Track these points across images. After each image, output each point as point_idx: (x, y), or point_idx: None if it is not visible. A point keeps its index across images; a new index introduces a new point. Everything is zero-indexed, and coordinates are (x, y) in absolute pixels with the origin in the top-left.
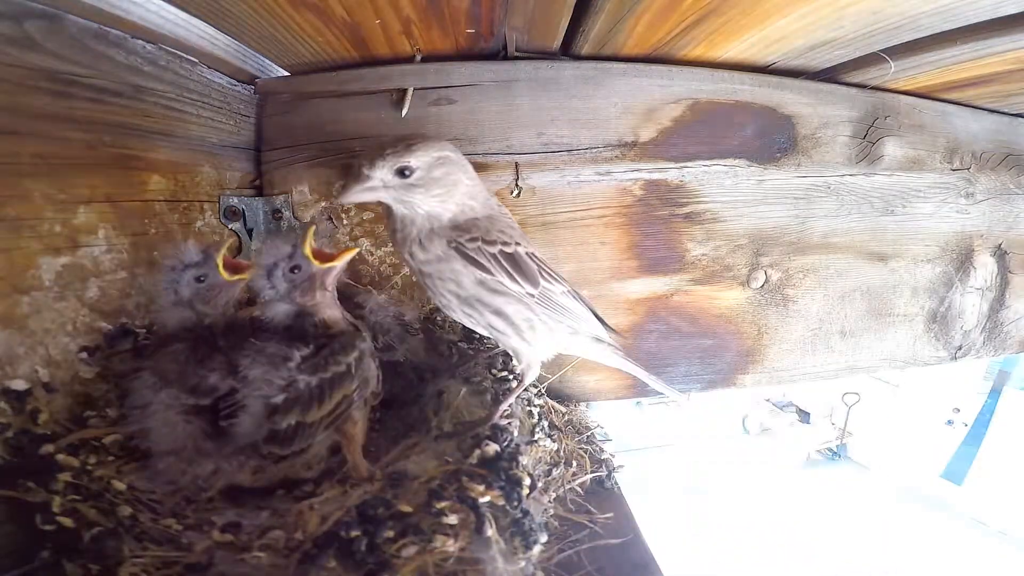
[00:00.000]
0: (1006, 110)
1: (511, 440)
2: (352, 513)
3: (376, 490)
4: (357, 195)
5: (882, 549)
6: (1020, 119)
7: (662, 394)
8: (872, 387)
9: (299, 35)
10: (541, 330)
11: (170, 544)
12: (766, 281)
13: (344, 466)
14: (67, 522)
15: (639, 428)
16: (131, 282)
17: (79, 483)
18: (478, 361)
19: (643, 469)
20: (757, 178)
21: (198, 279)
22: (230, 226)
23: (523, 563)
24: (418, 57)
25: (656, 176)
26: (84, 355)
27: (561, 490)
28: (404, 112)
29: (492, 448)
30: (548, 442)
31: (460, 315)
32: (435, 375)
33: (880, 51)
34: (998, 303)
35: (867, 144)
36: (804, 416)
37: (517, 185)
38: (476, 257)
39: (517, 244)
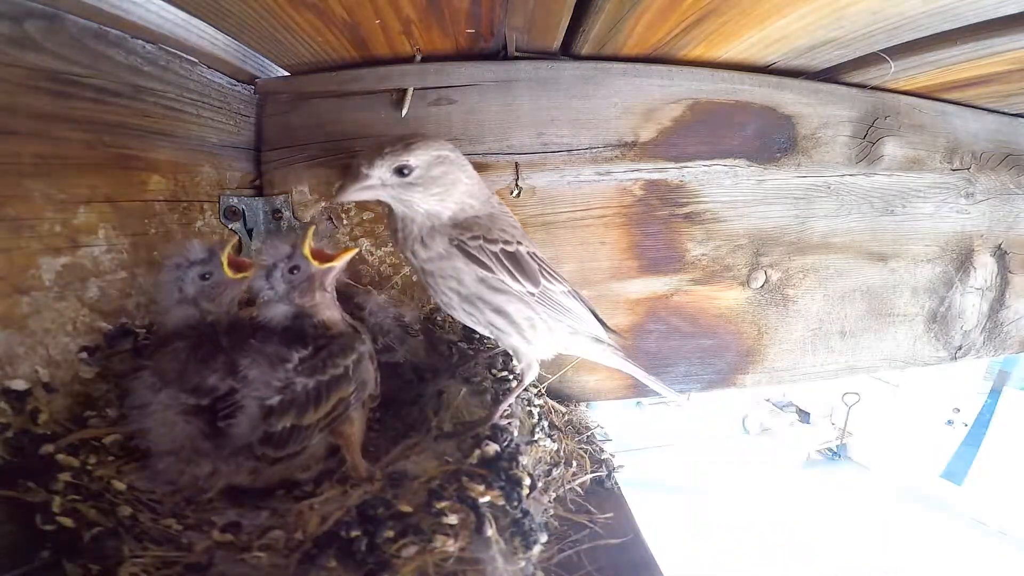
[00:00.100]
0: (1006, 110)
1: (511, 440)
2: (352, 513)
3: (376, 490)
4: (356, 194)
5: (882, 549)
6: (1020, 119)
7: (662, 394)
8: (872, 387)
9: (299, 35)
10: (541, 329)
11: (170, 544)
12: (766, 281)
13: (343, 466)
14: (67, 522)
15: (639, 428)
16: (131, 282)
17: (79, 483)
18: (478, 361)
19: (643, 469)
20: (757, 178)
21: (203, 276)
22: (230, 226)
23: (523, 563)
24: (418, 57)
25: (656, 176)
26: (84, 355)
27: (561, 490)
28: (404, 112)
29: (492, 448)
30: (548, 442)
31: (461, 313)
32: (435, 375)
33: (880, 51)
34: (998, 303)
35: (867, 144)
36: (804, 416)
37: (517, 185)
38: (478, 255)
39: (518, 243)
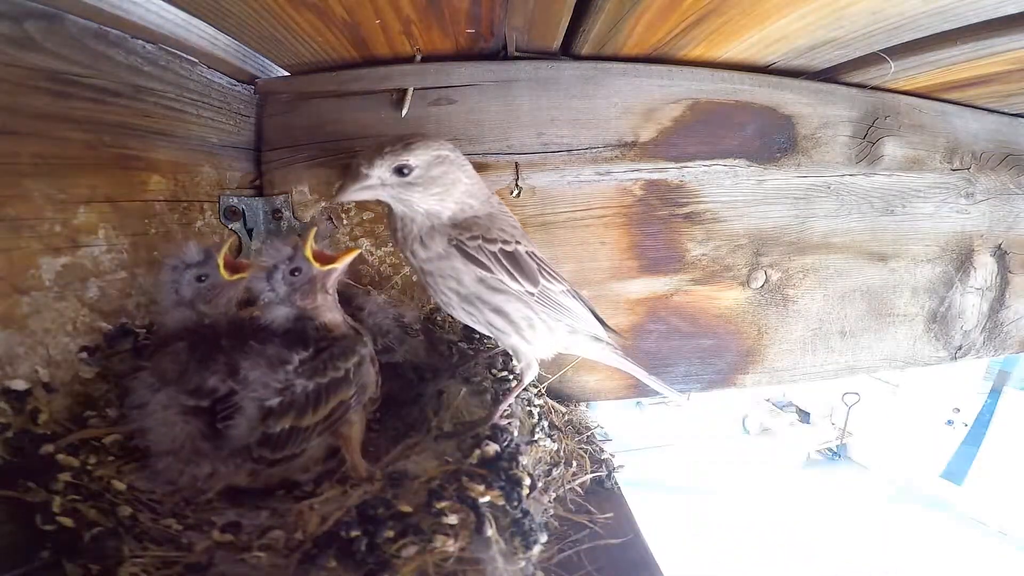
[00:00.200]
0: (1006, 110)
1: (511, 440)
2: (352, 513)
3: (376, 490)
4: (355, 193)
5: (882, 549)
6: (1020, 119)
7: (662, 394)
8: (872, 387)
9: (299, 35)
10: (541, 329)
11: (170, 544)
12: (766, 281)
13: (343, 466)
14: (67, 522)
15: (639, 428)
16: (131, 282)
17: (79, 483)
18: (478, 361)
19: (643, 469)
20: (757, 178)
21: (199, 279)
22: (230, 226)
23: (523, 563)
24: (418, 57)
25: (656, 176)
26: (84, 355)
27: (561, 490)
28: (404, 112)
29: (492, 448)
30: (548, 442)
31: (460, 313)
32: (435, 375)
33: (880, 51)
34: (998, 303)
35: (867, 144)
36: (804, 416)
37: (517, 185)
38: (476, 255)
39: (517, 243)
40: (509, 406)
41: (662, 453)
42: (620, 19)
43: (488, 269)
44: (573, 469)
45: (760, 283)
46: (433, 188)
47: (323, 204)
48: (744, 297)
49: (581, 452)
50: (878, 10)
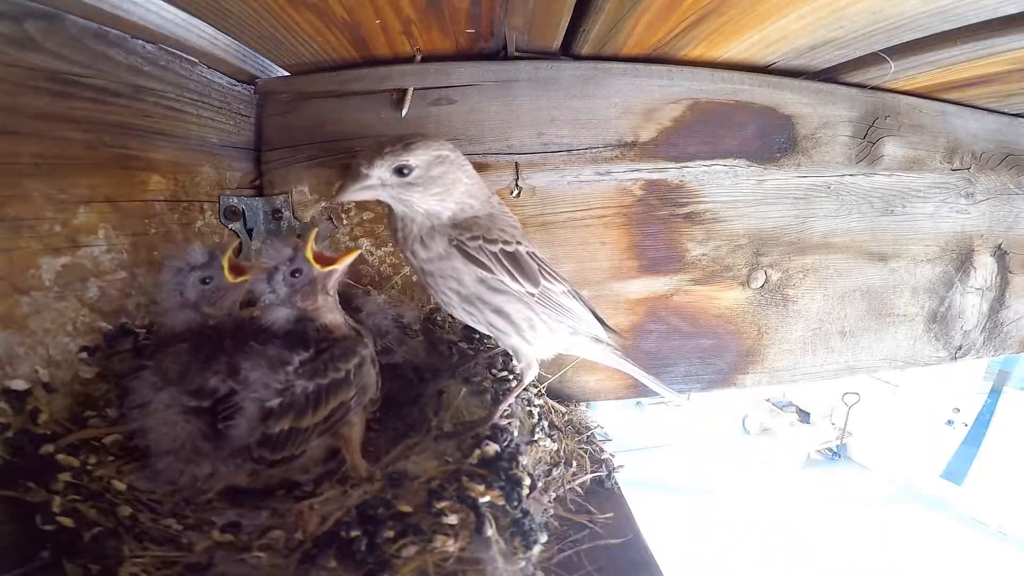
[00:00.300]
0: (1006, 110)
1: (511, 440)
2: (352, 513)
3: (376, 490)
4: (355, 193)
5: (882, 549)
6: (1020, 119)
7: (662, 395)
8: (872, 387)
9: (299, 35)
10: (542, 329)
11: (170, 544)
12: (766, 281)
13: (343, 466)
14: (67, 522)
15: (639, 428)
16: (131, 282)
17: (79, 483)
18: (478, 361)
19: (643, 469)
20: (757, 178)
21: (203, 281)
22: (230, 226)
23: (523, 563)
24: (418, 57)
25: (656, 176)
26: (84, 355)
27: (561, 490)
28: (404, 112)
29: (492, 448)
30: (548, 442)
31: (461, 313)
32: (435, 375)
33: (880, 51)
34: (998, 303)
35: (867, 144)
36: (804, 416)
37: (517, 185)
38: (477, 256)
39: (518, 243)
40: (509, 406)
41: (662, 453)
42: (620, 19)
43: (489, 270)
44: (573, 469)
45: (760, 283)
46: (433, 188)
47: (323, 204)
48: (744, 297)
49: (581, 452)
50: (878, 10)
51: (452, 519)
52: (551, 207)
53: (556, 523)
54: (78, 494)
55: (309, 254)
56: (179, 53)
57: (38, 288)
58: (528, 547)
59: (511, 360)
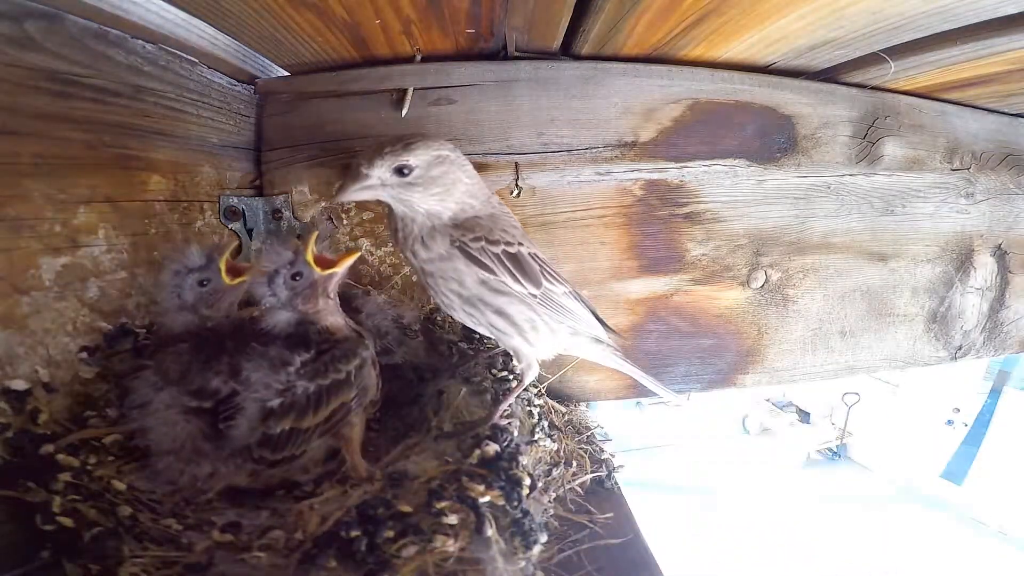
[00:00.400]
0: (1006, 110)
1: (511, 440)
2: (352, 513)
3: (376, 490)
4: (355, 193)
5: (882, 549)
6: (1020, 119)
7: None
8: (872, 387)
9: (299, 35)
10: (543, 330)
11: (170, 544)
12: (766, 281)
13: (344, 466)
14: (67, 522)
15: (639, 428)
16: (131, 282)
17: (79, 483)
18: (478, 361)
19: (643, 469)
20: (757, 178)
21: (201, 283)
22: (230, 226)
23: (523, 563)
24: (418, 57)
25: (656, 176)
26: (84, 355)
27: (561, 490)
28: (404, 112)
29: (492, 448)
30: (548, 442)
31: (462, 315)
32: (435, 375)
33: (880, 51)
34: (998, 303)
35: (867, 144)
36: (804, 416)
37: (517, 185)
38: (479, 257)
39: (520, 244)
40: (509, 406)
41: (662, 453)
42: (620, 19)
43: (491, 271)
44: (573, 469)
45: (760, 283)
46: (433, 188)
47: (323, 204)
48: (744, 297)
49: (581, 452)
50: (878, 10)
51: (452, 519)
52: (551, 207)
53: (556, 523)
54: (78, 494)
55: (310, 257)
56: (179, 53)
57: (38, 288)
58: (528, 547)
59: (511, 360)
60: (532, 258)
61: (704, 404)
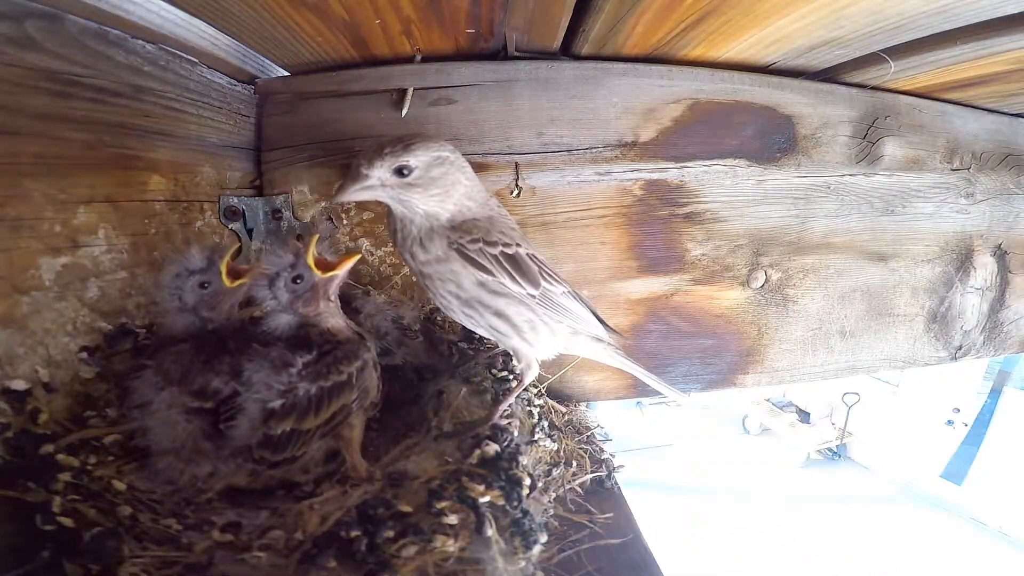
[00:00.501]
0: (1006, 110)
1: (511, 440)
2: (352, 513)
3: (376, 490)
4: (355, 194)
5: (882, 549)
6: (1020, 119)
7: (662, 394)
8: (872, 387)
9: (299, 35)
10: (543, 331)
11: (170, 544)
12: (766, 281)
13: (344, 466)
14: (67, 522)
15: (639, 428)
16: (131, 282)
17: (79, 483)
18: (478, 361)
19: (643, 469)
20: (757, 178)
21: (202, 285)
22: (230, 226)
23: (523, 563)
24: (418, 57)
25: (656, 176)
26: (84, 355)
27: (561, 490)
28: (404, 112)
29: (492, 448)
30: (548, 442)
31: (460, 316)
32: (435, 375)
33: (880, 51)
34: (998, 303)
35: (867, 144)
36: (804, 416)
37: (517, 185)
38: (477, 258)
39: (518, 245)
40: (509, 406)
41: (662, 453)
42: (620, 19)
43: (489, 272)
44: (573, 469)
45: (760, 283)
46: (433, 189)
47: (323, 204)
48: (744, 297)
49: (581, 452)
50: (878, 10)
51: (452, 519)
52: (551, 207)
53: (556, 523)
54: (78, 494)
55: (310, 260)
56: (179, 53)
57: (38, 288)
58: (528, 547)
59: (511, 360)
60: (530, 259)
61: (704, 404)
